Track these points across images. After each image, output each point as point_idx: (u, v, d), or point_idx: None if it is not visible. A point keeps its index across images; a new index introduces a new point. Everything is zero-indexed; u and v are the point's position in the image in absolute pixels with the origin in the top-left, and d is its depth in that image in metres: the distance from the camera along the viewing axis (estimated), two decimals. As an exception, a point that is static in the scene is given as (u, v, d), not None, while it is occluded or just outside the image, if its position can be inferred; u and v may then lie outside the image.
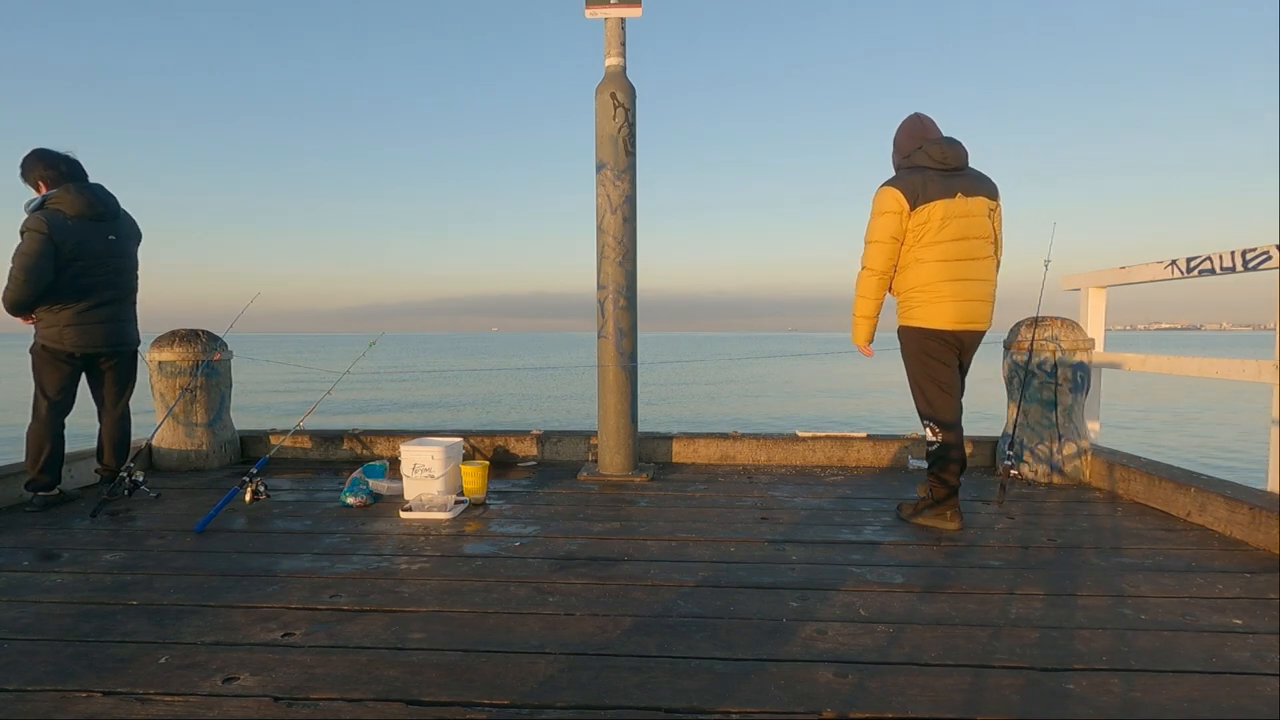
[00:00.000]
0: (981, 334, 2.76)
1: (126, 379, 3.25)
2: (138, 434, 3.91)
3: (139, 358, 3.35)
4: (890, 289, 2.72)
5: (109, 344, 3.06)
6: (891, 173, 2.80)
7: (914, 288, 2.65)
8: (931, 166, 2.66)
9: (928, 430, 2.70)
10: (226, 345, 3.98)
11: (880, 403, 19.91)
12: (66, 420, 3.09)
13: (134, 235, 3.19)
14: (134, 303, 3.22)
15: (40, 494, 3.00)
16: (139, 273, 3.22)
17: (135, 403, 3.36)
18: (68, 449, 3.34)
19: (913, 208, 2.62)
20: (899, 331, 2.72)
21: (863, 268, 2.68)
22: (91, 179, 3.07)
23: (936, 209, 2.61)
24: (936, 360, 2.69)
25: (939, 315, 2.65)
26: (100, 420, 3.26)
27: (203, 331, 3.92)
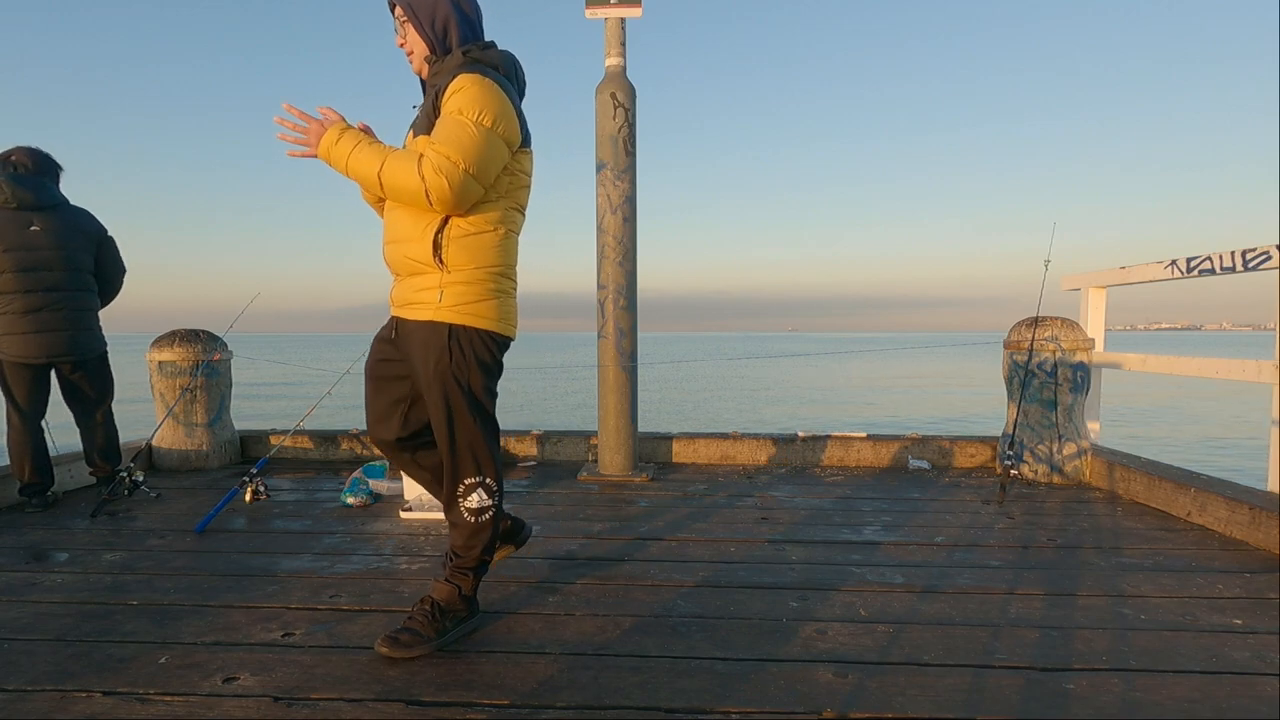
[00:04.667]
0: None
1: (97, 387, 3.14)
2: (138, 434, 3.91)
3: (109, 362, 3.23)
4: (439, 256, 1.65)
5: (58, 353, 2.93)
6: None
7: (490, 265, 1.70)
8: (504, 72, 1.73)
9: (481, 492, 1.75)
10: (226, 345, 3.98)
11: (881, 403, 19.92)
12: (60, 420, 3.07)
13: (79, 230, 3.00)
14: (87, 307, 3.05)
15: (36, 498, 3.00)
16: (92, 273, 3.07)
17: (135, 402, 3.33)
18: (68, 449, 3.33)
19: (522, 144, 1.73)
20: (455, 333, 1.67)
21: (440, 174, 1.55)
22: (76, 176, 3.06)
23: (531, 159, 1.78)
24: (494, 373, 1.78)
25: (515, 314, 1.80)
26: (79, 427, 3.17)
27: (203, 331, 3.92)
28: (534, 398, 21.78)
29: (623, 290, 3.58)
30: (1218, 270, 3.07)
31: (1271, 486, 2.72)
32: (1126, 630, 1.79)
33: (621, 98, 3.48)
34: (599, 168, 3.55)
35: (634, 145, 3.54)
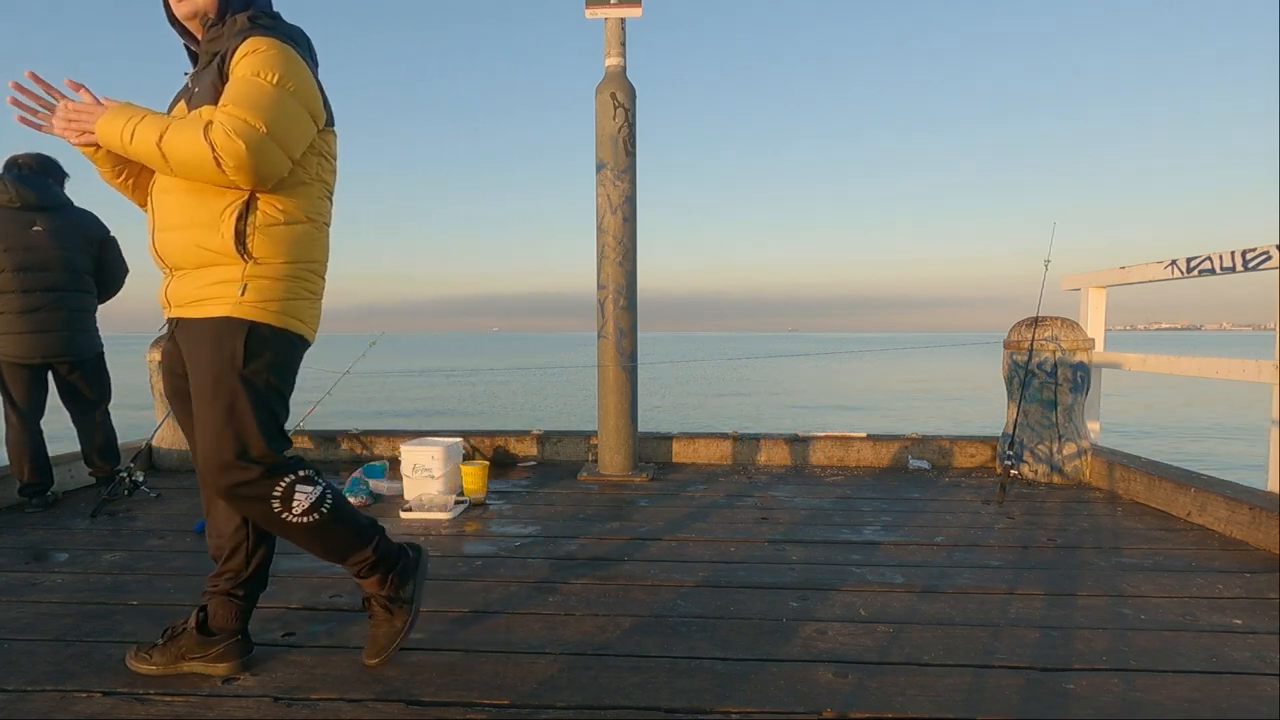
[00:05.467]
0: None
1: (95, 388, 3.14)
2: (138, 434, 3.91)
3: (106, 363, 3.22)
4: (243, 245, 1.42)
5: (54, 353, 2.94)
6: None
7: (303, 260, 1.51)
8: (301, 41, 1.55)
9: (302, 487, 1.48)
10: (226, 345, 3.98)
11: (882, 408, 19.93)
12: (58, 420, 3.07)
13: (80, 232, 3.01)
14: (84, 308, 3.05)
15: (36, 498, 3.00)
16: (91, 275, 3.07)
17: (136, 406, 3.33)
18: (67, 449, 3.33)
19: (327, 123, 1.56)
20: (257, 332, 1.45)
21: (233, 140, 1.33)
22: (74, 176, 3.09)
23: (336, 141, 1.61)
24: (290, 381, 1.57)
25: (318, 319, 1.61)
26: (76, 428, 3.18)
27: (203, 331, 3.92)
28: (534, 398, 21.79)
29: (623, 290, 3.58)
30: (1218, 270, 3.07)
31: (1271, 486, 2.72)
32: (1126, 630, 1.79)
33: (621, 98, 3.48)
34: (599, 168, 3.55)
35: (634, 145, 3.55)
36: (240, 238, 1.42)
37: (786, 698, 1.46)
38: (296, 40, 1.52)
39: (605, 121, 3.50)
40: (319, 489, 1.50)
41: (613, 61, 3.55)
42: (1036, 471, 3.49)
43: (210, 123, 1.34)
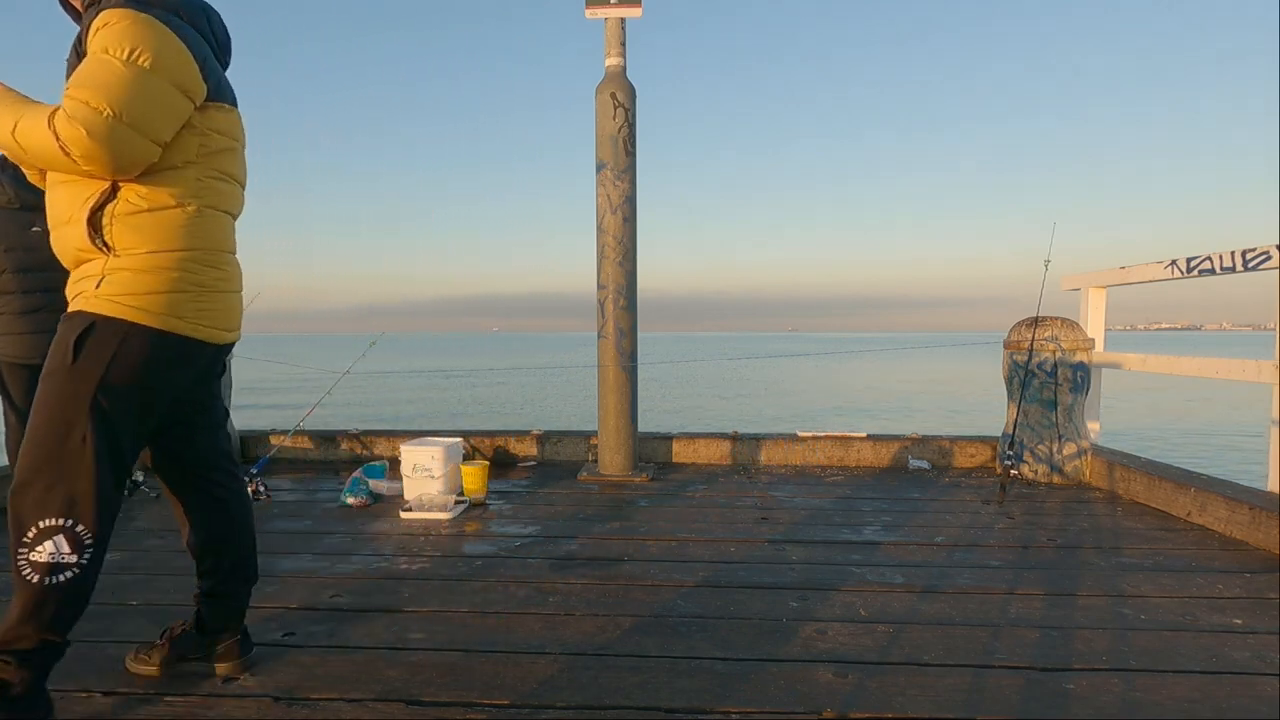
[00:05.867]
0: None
1: None
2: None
3: None
4: (101, 237, 1.29)
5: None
6: None
7: (177, 248, 1.33)
8: (191, 21, 1.39)
9: (61, 541, 1.22)
10: (226, 345, 3.97)
11: (881, 409, 19.93)
12: None
13: None
14: None
15: None
16: None
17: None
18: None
19: (211, 97, 1.38)
20: (102, 328, 1.26)
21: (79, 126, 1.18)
22: None
23: (233, 119, 1.44)
24: (158, 398, 1.35)
25: (217, 313, 1.42)
26: None
27: (203, 331, 3.92)
28: (534, 397, 21.79)
29: (623, 290, 3.58)
30: (1218, 270, 3.07)
31: (1271, 486, 2.72)
32: (1126, 630, 1.79)
33: (621, 98, 3.48)
34: (599, 168, 3.55)
35: (634, 145, 3.55)
36: (96, 229, 1.29)
37: (786, 698, 1.46)
38: (177, 11, 1.35)
39: (605, 121, 3.50)
40: (76, 563, 1.23)
41: (613, 61, 3.55)
42: (1036, 471, 3.49)
43: (55, 109, 1.21)
